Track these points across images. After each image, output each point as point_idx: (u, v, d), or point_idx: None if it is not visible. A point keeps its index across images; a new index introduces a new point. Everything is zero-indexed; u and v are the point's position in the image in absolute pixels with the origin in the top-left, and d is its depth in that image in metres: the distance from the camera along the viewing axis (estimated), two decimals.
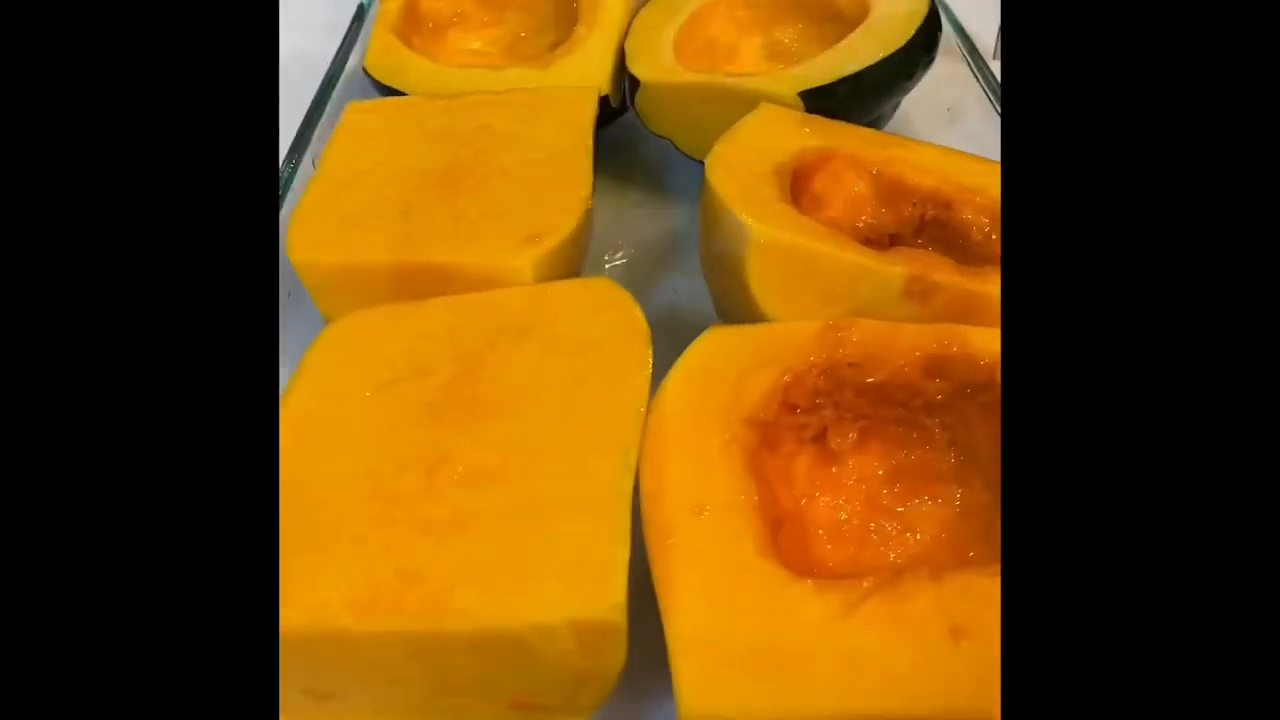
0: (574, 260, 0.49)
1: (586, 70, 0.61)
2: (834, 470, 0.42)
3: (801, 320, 0.41)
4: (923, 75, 0.60)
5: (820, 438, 0.42)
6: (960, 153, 0.52)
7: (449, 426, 0.38)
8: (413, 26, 0.67)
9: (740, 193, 0.45)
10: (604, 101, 0.60)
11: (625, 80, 0.62)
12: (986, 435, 0.41)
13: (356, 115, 0.56)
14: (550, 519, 0.34)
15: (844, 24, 0.63)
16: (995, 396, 0.40)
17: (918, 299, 0.43)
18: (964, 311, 0.43)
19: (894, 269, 0.43)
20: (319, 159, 0.54)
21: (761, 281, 0.43)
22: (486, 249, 0.46)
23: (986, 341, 0.40)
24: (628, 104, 0.62)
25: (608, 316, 0.41)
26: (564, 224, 0.46)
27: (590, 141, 0.52)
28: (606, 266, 0.60)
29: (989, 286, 0.43)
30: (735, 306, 0.46)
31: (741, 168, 0.47)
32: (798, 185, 0.50)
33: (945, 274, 0.43)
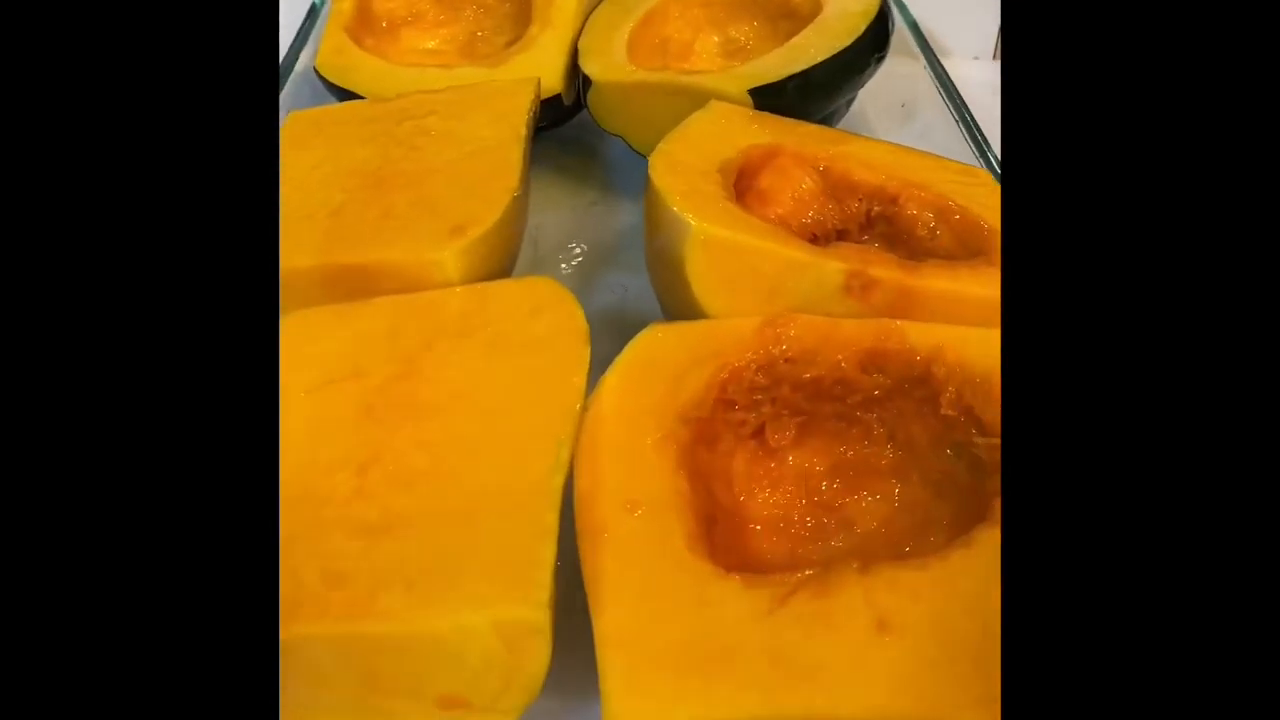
0: (504, 251, 0.49)
1: (539, 69, 0.60)
2: (772, 466, 0.42)
3: (740, 317, 0.41)
4: (874, 72, 0.60)
5: (758, 434, 0.42)
6: (909, 149, 0.53)
7: (384, 427, 0.38)
8: (365, 26, 0.67)
9: (682, 190, 0.45)
10: (557, 100, 0.60)
11: (579, 79, 0.62)
12: (923, 430, 0.41)
13: (297, 123, 0.56)
14: (478, 518, 0.34)
15: (799, 21, 0.63)
16: (932, 391, 0.40)
17: (857, 294, 0.43)
18: (904, 307, 0.43)
19: (833, 264, 0.43)
20: None
21: (701, 278, 0.43)
22: (410, 245, 0.45)
23: (923, 336, 0.40)
24: (582, 102, 0.62)
25: (548, 316, 0.41)
26: (488, 215, 0.46)
27: (523, 132, 0.51)
28: (562, 266, 0.60)
29: (928, 282, 0.43)
30: (677, 303, 0.46)
31: (684, 165, 0.47)
32: (744, 182, 0.50)
33: (884, 269, 0.43)
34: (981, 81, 0.75)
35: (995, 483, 0.37)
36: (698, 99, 0.54)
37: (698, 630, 0.32)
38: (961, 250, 0.48)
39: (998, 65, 0.82)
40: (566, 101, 0.62)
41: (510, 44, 0.66)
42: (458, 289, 0.44)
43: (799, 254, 0.43)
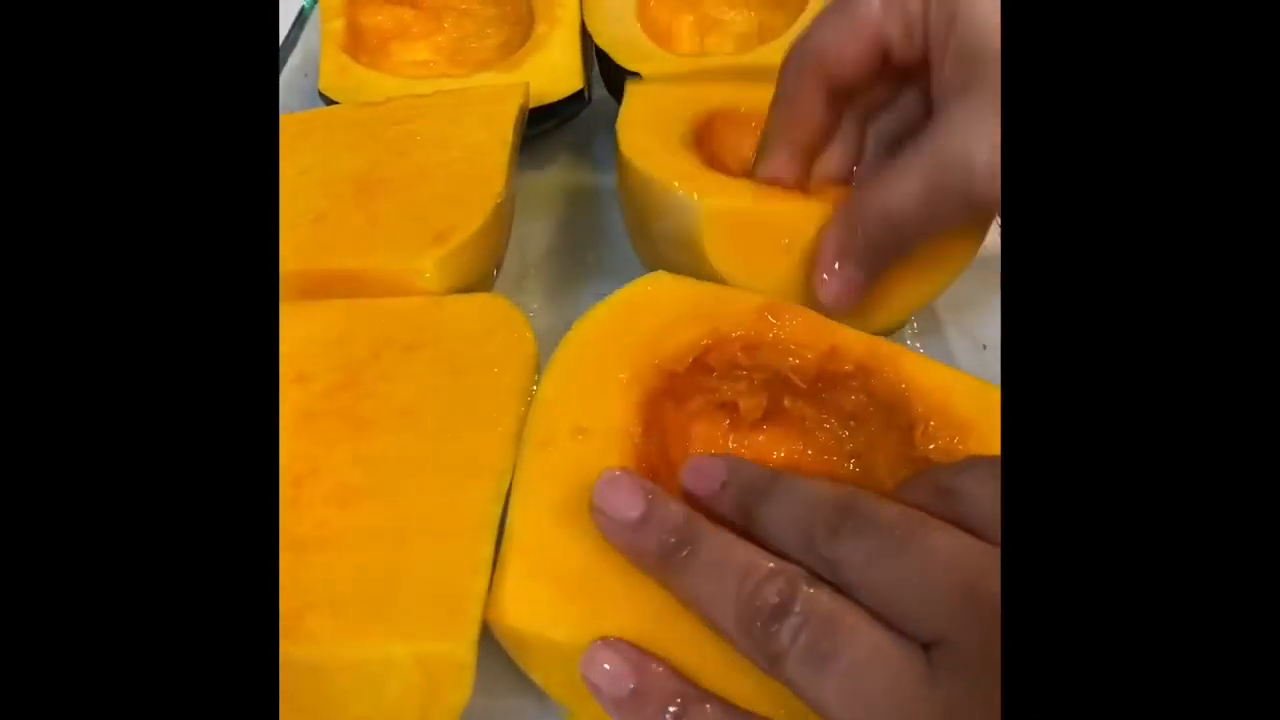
0: (487, 258, 0.48)
1: (557, 68, 0.60)
2: (730, 444, 0.41)
3: (744, 289, 0.42)
4: None
5: (728, 407, 0.41)
6: None
7: (323, 438, 0.37)
8: (358, 44, 0.66)
9: (668, 169, 0.46)
10: (575, 98, 0.60)
11: (591, 73, 0.61)
12: (887, 458, 0.39)
13: (284, 128, 0.54)
14: (411, 543, 0.33)
15: None
16: (906, 421, 0.38)
17: None
18: None
19: (824, 206, 0.44)
20: None
21: (719, 253, 0.44)
22: (392, 252, 0.45)
23: (917, 369, 0.39)
24: (614, 98, 0.61)
25: (499, 337, 0.41)
26: (470, 222, 0.45)
27: (509, 137, 0.51)
28: (548, 274, 0.58)
29: None
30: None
31: (656, 147, 0.48)
32: (701, 149, 0.51)
33: None
34: None
35: None
36: (751, 78, 0.54)
37: (597, 563, 0.32)
38: None
39: None
40: (589, 97, 0.61)
41: (501, 46, 0.66)
42: (412, 299, 0.43)
43: (798, 205, 0.44)
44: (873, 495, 0.30)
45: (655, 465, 0.37)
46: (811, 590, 0.28)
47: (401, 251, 0.44)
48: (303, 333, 0.41)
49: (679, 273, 0.47)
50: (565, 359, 0.38)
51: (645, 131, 0.50)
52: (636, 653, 0.30)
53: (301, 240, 0.46)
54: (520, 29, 0.66)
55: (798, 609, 0.28)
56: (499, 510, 0.34)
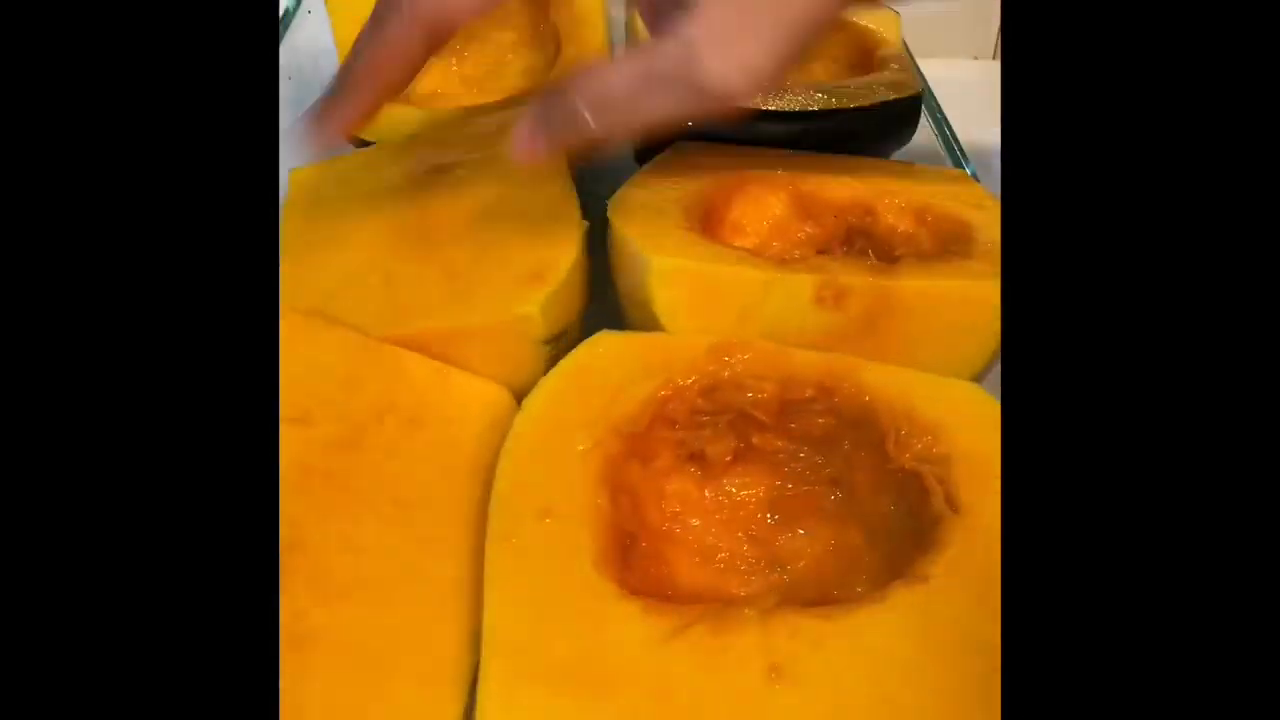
0: (582, 294, 0.45)
1: None
2: (706, 494, 0.40)
3: (693, 334, 0.41)
4: None
5: (696, 457, 0.40)
6: (884, 160, 0.53)
7: (317, 503, 0.36)
8: None
9: (639, 226, 0.44)
10: None
11: None
12: (866, 476, 0.39)
13: (303, 181, 0.51)
14: (386, 679, 0.32)
15: None
16: (877, 434, 0.38)
17: (831, 304, 0.42)
18: (882, 311, 0.42)
19: (800, 278, 0.42)
20: None
21: (668, 311, 0.42)
22: (489, 304, 0.41)
23: (877, 378, 0.39)
24: None
25: (501, 437, 0.38)
26: (563, 256, 0.43)
27: (564, 163, 0.48)
28: None
29: (902, 281, 0.42)
30: None
31: (642, 204, 0.46)
32: (716, 215, 0.49)
33: (855, 275, 0.42)
34: (981, 81, 0.74)
35: (929, 537, 0.35)
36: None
37: (585, 651, 0.31)
38: (940, 249, 0.47)
39: (997, 65, 0.82)
40: None
41: (525, 72, 0.65)
42: (422, 360, 0.41)
43: (763, 273, 0.41)
44: None
45: (631, 531, 0.36)
46: None
47: (499, 301, 0.41)
48: (307, 360, 0.39)
49: (639, 330, 0.45)
50: (520, 438, 0.36)
51: (637, 192, 0.47)
52: None
53: (380, 306, 0.42)
54: (544, 54, 0.65)
55: None
56: (473, 664, 0.32)
